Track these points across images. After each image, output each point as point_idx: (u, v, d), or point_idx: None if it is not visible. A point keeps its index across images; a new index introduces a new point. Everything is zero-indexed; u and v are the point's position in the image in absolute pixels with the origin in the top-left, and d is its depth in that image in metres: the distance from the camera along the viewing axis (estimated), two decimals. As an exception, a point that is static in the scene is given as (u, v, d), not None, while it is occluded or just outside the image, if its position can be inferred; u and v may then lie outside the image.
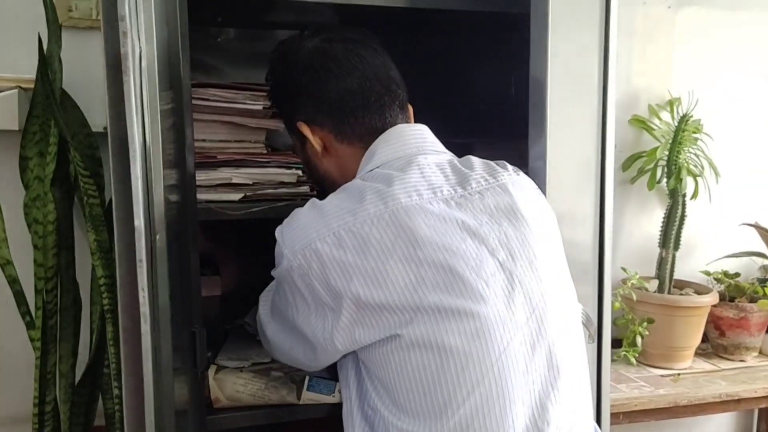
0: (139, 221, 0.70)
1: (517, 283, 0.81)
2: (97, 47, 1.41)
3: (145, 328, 0.70)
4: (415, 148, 0.90)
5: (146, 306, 0.70)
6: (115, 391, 1.29)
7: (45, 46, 1.26)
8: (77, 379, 1.32)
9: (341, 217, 0.79)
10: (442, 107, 1.07)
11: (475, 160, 0.92)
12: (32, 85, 1.33)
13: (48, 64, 1.25)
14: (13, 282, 1.27)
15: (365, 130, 0.94)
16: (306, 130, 0.96)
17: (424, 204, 0.80)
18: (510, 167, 0.94)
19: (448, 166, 0.88)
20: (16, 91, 1.36)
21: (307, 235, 0.80)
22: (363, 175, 0.90)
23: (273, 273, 0.91)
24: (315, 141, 0.96)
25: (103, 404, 1.35)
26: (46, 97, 1.24)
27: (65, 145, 1.28)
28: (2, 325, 1.45)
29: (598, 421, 1.34)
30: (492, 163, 0.93)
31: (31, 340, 1.28)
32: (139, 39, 0.77)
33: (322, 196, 0.92)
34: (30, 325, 1.28)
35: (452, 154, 0.96)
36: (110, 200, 1.32)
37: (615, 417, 1.55)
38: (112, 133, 0.81)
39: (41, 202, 1.26)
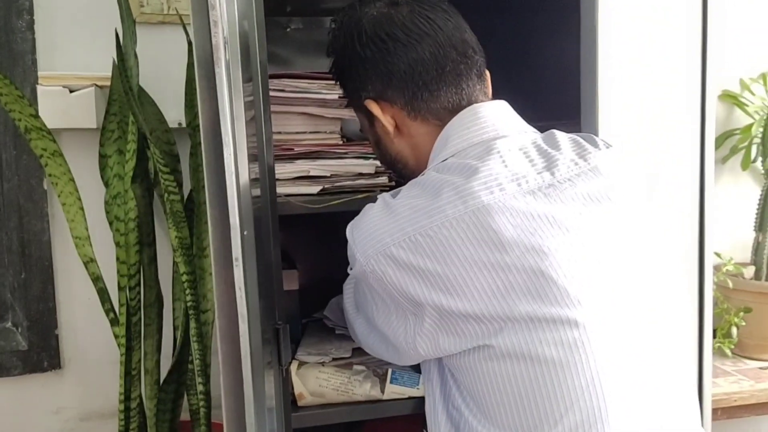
0: (235, 219, 0.67)
1: (617, 283, 0.72)
2: (169, 42, 1.43)
3: (244, 327, 0.67)
4: (493, 131, 0.80)
5: (243, 306, 0.67)
6: (200, 387, 1.29)
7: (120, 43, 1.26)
8: (162, 374, 1.33)
9: (416, 219, 0.72)
10: (510, 89, 0.99)
11: (561, 138, 0.81)
12: (107, 83, 1.33)
13: (124, 60, 1.25)
14: (97, 279, 1.28)
15: (440, 106, 0.84)
16: (375, 109, 0.86)
17: (508, 200, 0.71)
18: (600, 142, 0.83)
19: (533, 149, 0.78)
20: (92, 89, 1.37)
21: (380, 239, 0.74)
22: (437, 166, 0.81)
23: (349, 272, 0.86)
24: (386, 120, 0.86)
25: (188, 400, 1.36)
26: (124, 94, 1.24)
27: (143, 142, 1.28)
28: (87, 322, 1.48)
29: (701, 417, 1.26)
30: (580, 138, 0.83)
31: (116, 336, 1.29)
32: (223, 30, 0.74)
33: (399, 183, 0.86)
34: (114, 322, 1.29)
35: (534, 129, 0.86)
36: (188, 196, 1.32)
37: (713, 413, 1.46)
38: (204, 127, 0.78)
39: (122, 199, 1.26)
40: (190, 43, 1.28)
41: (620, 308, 0.72)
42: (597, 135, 1.05)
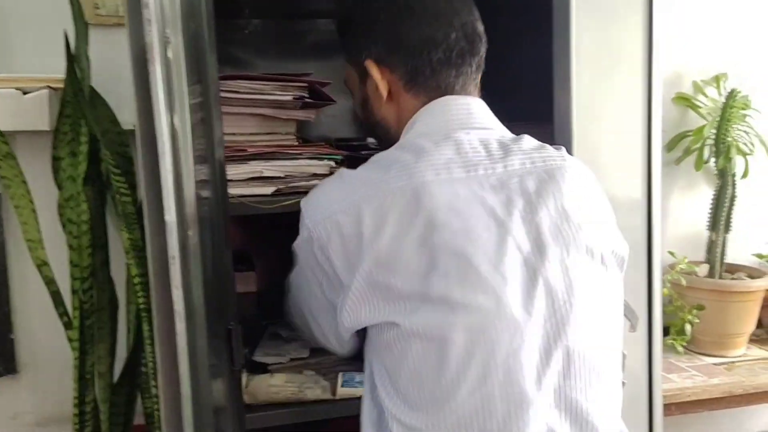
0: (170, 216, 0.67)
1: (540, 282, 0.73)
2: (125, 44, 1.43)
3: (180, 327, 0.68)
4: (457, 123, 0.82)
5: (180, 304, 0.67)
6: (153, 390, 1.28)
7: (72, 45, 1.25)
8: (116, 378, 1.32)
9: (363, 189, 0.74)
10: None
11: (528, 141, 0.82)
12: (62, 85, 1.33)
13: (76, 62, 1.24)
14: (50, 283, 1.26)
15: (436, 85, 0.85)
16: (375, 71, 0.86)
17: (453, 183, 0.73)
18: (567, 155, 0.84)
19: (495, 143, 0.79)
20: (46, 91, 1.36)
21: (329, 206, 0.76)
22: (396, 145, 0.83)
23: (294, 246, 0.87)
24: (381, 85, 0.86)
25: (142, 403, 1.35)
26: (75, 95, 1.23)
27: (96, 144, 1.28)
28: (43, 326, 1.46)
29: (650, 413, 1.29)
30: (550, 147, 0.84)
31: (70, 340, 1.28)
32: (164, 29, 0.74)
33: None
34: (68, 326, 1.28)
35: (507, 132, 0.86)
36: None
37: (667, 408, 1.48)
38: (140, 127, 0.79)
39: (75, 201, 1.25)
40: (143, 45, 1.28)
41: (541, 307, 0.73)
42: (571, 135, 1.08)
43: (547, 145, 0.84)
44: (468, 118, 0.82)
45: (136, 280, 1.20)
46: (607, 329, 0.79)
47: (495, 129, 0.84)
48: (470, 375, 0.69)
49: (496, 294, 0.70)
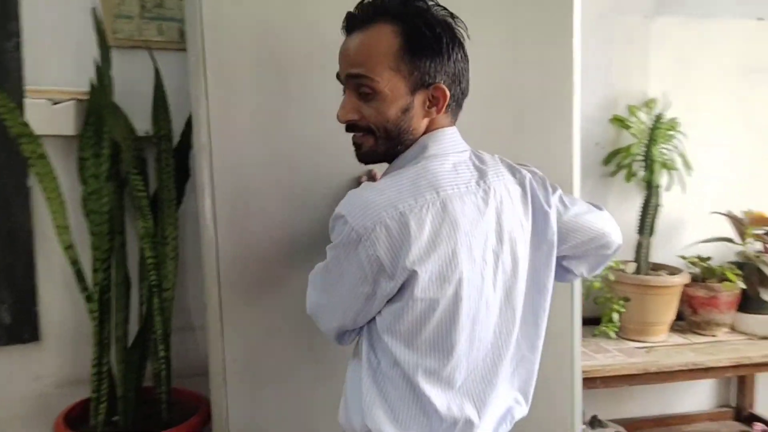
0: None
1: (500, 264, 1.00)
2: (138, 63, 1.68)
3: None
4: (452, 148, 1.02)
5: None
6: (161, 353, 1.53)
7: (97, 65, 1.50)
8: (129, 345, 1.56)
9: (404, 200, 0.92)
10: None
11: (486, 157, 1.05)
12: (86, 97, 1.58)
13: (99, 79, 1.49)
14: (74, 263, 1.51)
15: (455, 114, 1.04)
16: (446, 93, 0.99)
17: (462, 195, 0.95)
18: (505, 166, 1.06)
19: (471, 163, 1.02)
20: (72, 102, 1.61)
21: (377, 213, 0.90)
22: (415, 162, 0.99)
23: (332, 246, 0.98)
24: (443, 104, 1.00)
25: (151, 365, 1.59)
26: (98, 107, 1.48)
27: (116, 148, 1.53)
28: (62, 300, 1.71)
29: (571, 385, 1.55)
30: (497, 159, 1.06)
31: (90, 312, 1.52)
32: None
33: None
34: (89, 299, 1.52)
35: (471, 149, 1.05)
36: (154, 193, 1.56)
37: (592, 381, 1.75)
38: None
39: (97, 195, 1.50)
40: (156, 69, 1.54)
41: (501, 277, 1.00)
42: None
43: (497, 158, 1.07)
44: (456, 145, 1.03)
45: (150, 261, 1.45)
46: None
47: (466, 150, 1.04)
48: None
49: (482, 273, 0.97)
